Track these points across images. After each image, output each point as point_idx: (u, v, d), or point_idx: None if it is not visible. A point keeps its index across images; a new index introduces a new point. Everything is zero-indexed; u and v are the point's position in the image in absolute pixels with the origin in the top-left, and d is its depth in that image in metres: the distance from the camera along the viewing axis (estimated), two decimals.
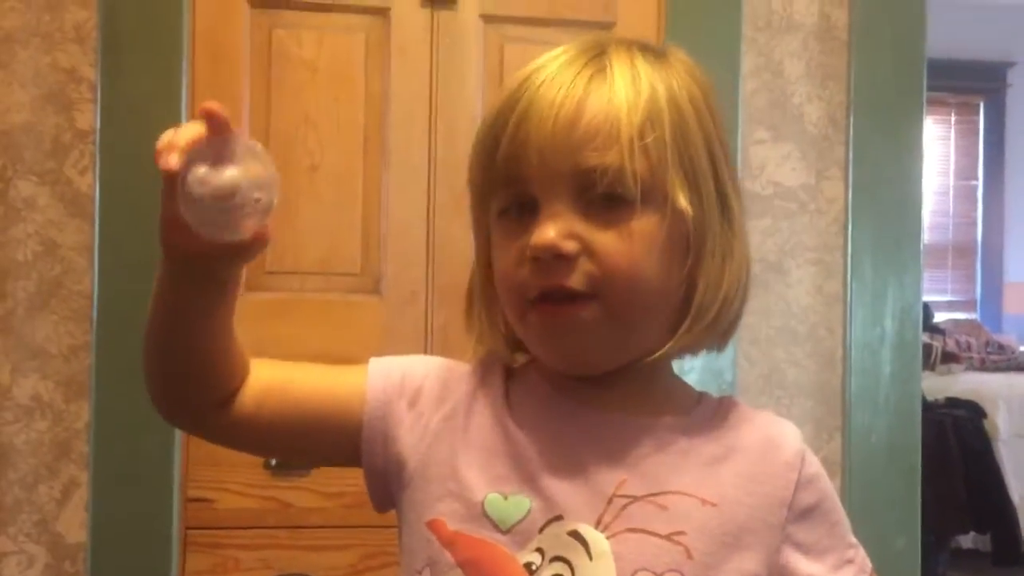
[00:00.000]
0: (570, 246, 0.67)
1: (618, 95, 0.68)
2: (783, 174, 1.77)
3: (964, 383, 3.73)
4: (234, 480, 1.61)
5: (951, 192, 5.35)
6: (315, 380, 0.77)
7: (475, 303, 0.78)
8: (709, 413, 0.75)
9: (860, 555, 0.75)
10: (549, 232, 0.67)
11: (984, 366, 4.17)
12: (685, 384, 0.78)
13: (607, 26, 1.74)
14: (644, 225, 0.68)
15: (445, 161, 1.70)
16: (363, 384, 0.75)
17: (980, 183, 5.31)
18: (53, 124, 1.60)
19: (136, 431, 1.60)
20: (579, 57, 0.71)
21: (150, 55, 1.62)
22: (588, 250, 0.67)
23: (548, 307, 0.68)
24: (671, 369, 0.77)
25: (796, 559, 0.71)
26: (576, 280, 0.67)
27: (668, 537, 0.67)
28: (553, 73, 0.70)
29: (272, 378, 0.77)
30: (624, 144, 0.67)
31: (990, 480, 3.34)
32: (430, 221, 1.70)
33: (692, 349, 0.73)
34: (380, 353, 1.74)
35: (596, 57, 0.71)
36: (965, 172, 5.36)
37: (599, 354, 0.71)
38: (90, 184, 1.61)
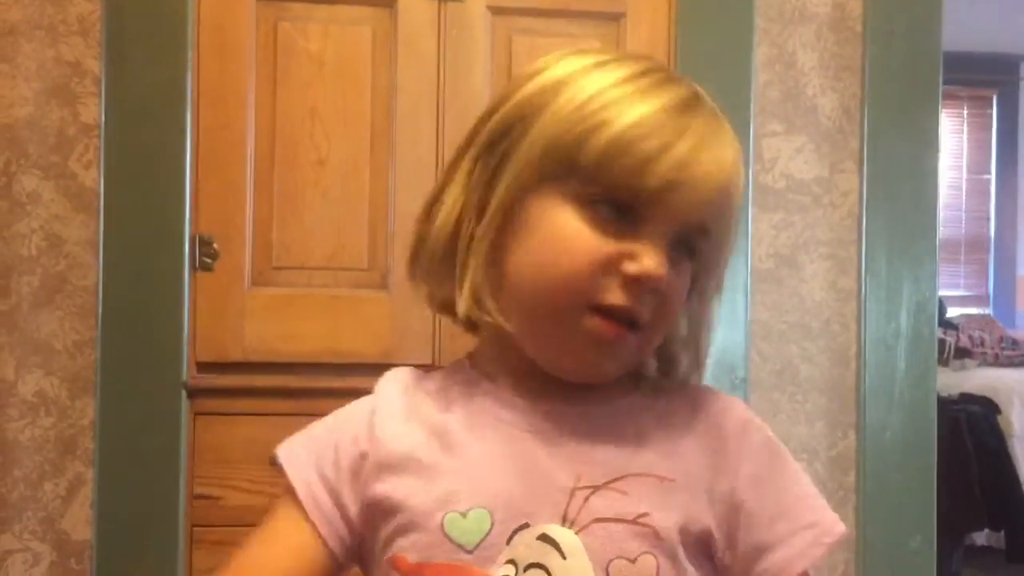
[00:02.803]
0: (663, 273, 0.67)
1: (736, 165, 0.71)
2: (796, 167, 1.75)
3: (978, 379, 3.69)
4: (240, 477, 1.60)
5: (964, 186, 5.30)
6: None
7: (435, 259, 0.73)
8: (652, 390, 0.74)
9: (825, 519, 0.72)
10: (663, 266, 0.67)
11: (998, 361, 4.13)
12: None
13: (617, 17, 1.72)
14: (687, 272, 0.71)
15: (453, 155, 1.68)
16: (305, 531, 0.71)
17: (993, 177, 5.27)
18: (57, 118, 1.59)
19: (142, 428, 1.59)
20: (702, 104, 0.71)
21: (155, 48, 1.60)
22: (659, 286, 0.68)
23: (612, 324, 0.67)
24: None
25: (747, 527, 0.70)
26: (646, 313, 0.68)
27: (635, 521, 0.66)
28: (709, 128, 0.70)
29: None
30: (731, 214, 0.71)
31: (1004, 477, 3.31)
32: None
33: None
34: (388, 349, 1.72)
35: (709, 107, 0.72)
36: (978, 166, 5.31)
37: (614, 373, 0.71)
38: (95, 178, 1.59)
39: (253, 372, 1.64)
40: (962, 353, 3.99)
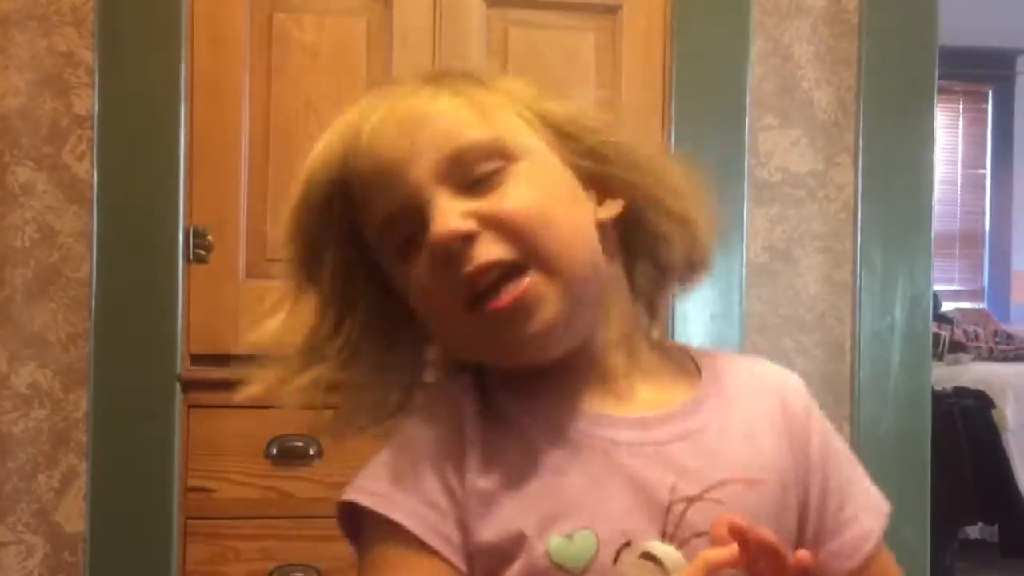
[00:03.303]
0: (468, 224, 0.64)
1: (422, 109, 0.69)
2: (792, 160, 1.75)
3: (972, 373, 3.70)
4: (234, 470, 1.60)
5: (959, 181, 5.30)
6: None
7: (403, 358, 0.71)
8: (714, 378, 0.72)
9: (877, 496, 0.74)
10: (442, 222, 0.64)
11: (992, 356, 4.13)
12: (672, 348, 0.76)
13: (614, 10, 1.71)
14: (522, 175, 0.66)
15: None
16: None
17: (988, 172, 5.27)
18: (50, 109, 1.58)
19: (135, 420, 1.58)
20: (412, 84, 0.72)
21: (149, 39, 1.60)
22: (488, 221, 0.64)
23: (492, 301, 0.64)
24: (651, 340, 0.74)
25: (819, 510, 0.70)
26: (497, 251, 0.64)
27: None
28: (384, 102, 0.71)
29: None
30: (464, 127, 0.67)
31: (998, 471, 3.32)
32: None
33: (656, 294, 0.73)
34: None
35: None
36: (973, 161, 5.32)
37: (562, 329, 0.66)
38: (88, 170, 1.58)
39: (247, 365, 1.63)
40: (956, 347, 3.99)
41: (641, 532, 0.64)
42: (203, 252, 1.62)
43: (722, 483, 0.66)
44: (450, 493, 0.65)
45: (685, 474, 0.66)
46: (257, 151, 1.65)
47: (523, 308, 0.64)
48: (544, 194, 0.66)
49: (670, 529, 0.64)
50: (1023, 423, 3.45)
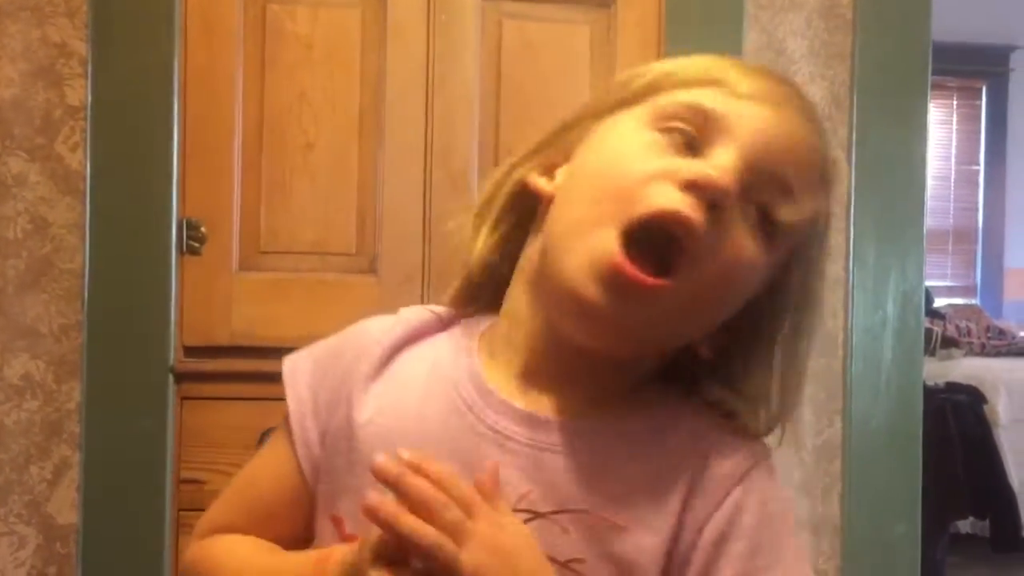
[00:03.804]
0: (732, 200, 0.60)
1: (822, 149, 0.72)
2: None
3: (964, 368, 3.71)
4: (227, 461, 1.60)
5: (952, 177, 5.32)
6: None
7: (494, 212, 0.69)
8: (645, 417, 0.65)
9: None
10: (727, 176, 0.59)
11: (984, 351, 4.15)
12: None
13: (608, 3, 1.71)
14: (755, 256, 0.63)
15: (442, 141, 1.68)
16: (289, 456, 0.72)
17: (982, 168, 5.28)
18: (43, 99, 1.57)
19: (128, 412, 1.58)
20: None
21: (142, 30, 1.59)
22: (726, 231, 0.60)
23: (632, 261, 0.58)
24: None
25: None
26: (700, 231, 0.59)
27: (566, 564, 0.60)
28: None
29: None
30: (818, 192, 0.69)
31: (990, 465, 3.33)
32: (426, 201, 1.67)
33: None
34: None
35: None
36: (966, 157, 5.33)
37: (640, 337, 0.62)
38: (81, 161, 1.58)
39: (240, 356, 1.63)
40: (949, 343, 4.01)
41: None
42: (196, 244, 1.62)
43: (579, 511, 0.61)
44: (333, 406, 0.70)
45: (542, 486, 0.62)
46: (250, 143, 1.64)
47: (644, 295, 0.59)
48: (743, 281, 0.63)
49: None
50: (1014, 418, 3.46)
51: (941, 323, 4.12)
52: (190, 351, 1.63)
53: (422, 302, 1.67)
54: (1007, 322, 4.59)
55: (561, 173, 0.67)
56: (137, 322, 1.60)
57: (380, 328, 0.73)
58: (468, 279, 0.71)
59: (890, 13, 1.75)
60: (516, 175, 0.69)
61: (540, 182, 0.67)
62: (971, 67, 5.14)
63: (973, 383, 3.48)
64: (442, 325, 0.73)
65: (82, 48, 1.58)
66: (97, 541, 1.57)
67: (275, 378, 1.69)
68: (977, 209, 5.33)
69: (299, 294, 1.65)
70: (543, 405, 0.65)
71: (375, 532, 0.58)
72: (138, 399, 1.59)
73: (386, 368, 0.70)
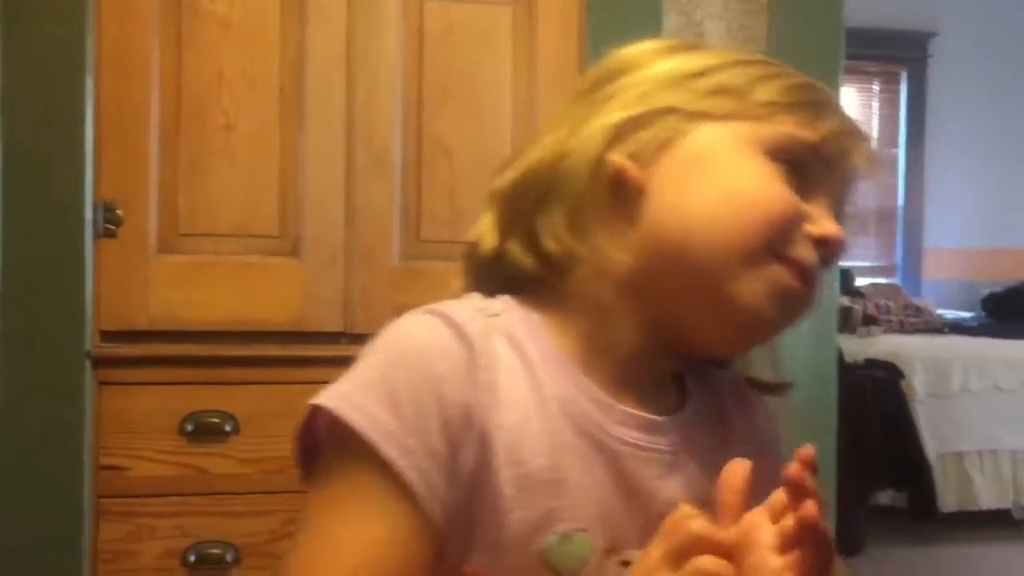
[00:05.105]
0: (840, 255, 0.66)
1: None
2: None
3: (883, 345, 3.82)
4: (148, 447, 1.58)
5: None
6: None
7: (527, 188, 0.65)
8: (695, 387, 0.69)
9: None
10: (841, 232, 0.65)
11: (903, 328, 4.27)
12: None
13: None
14: None
15: (364, 120, 1.67)
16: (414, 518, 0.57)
17: (902, 151, 5.42)
18: None
19: (45, 398, 1.55)
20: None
21: (54, 8, 1.55)
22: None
23: (799, 273, 0.63)
24: None
25: None
26: (816, 283, 0.66)
27: None
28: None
29: None
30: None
31: (907, 439, 3.44)
32: (349, 182, 1.67)
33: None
34: (298, 317, 1.70)
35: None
36: (887, 140, 5.46)
37: (773, 334, 0.67)
38: None
39: (159, 341, 1.61)
40: (869, 320, 4.11)
41: (627, 540, 0.61)
42: (112, 227, 1.59)
43: (710, 501, 0.60)
44: (451, 442, 0.57)
45: (679, 488, 0.63)
46: (168, 124, 1.62)
47: (794, 305, 0.64)
48: None
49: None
50: (931, 392, 3.57)
51: (862, 302, 4.22)
52: (107, 336, 1.60)
53: (345, 285, 1.67)
54: (925, 300, 4.73)
55: (649, 167, 0.64)
56: (53, 307, 1.56)
57: (465, 324, 0.61)
58: (481, 263, 0.66)
59: None
60: (595, 155, 0.63)
61: (636, 172, 0.63)
62: (892, 52, 5.26)
63: (891, 359, 3.58)
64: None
65: None
66: (15, 530, 1.54)
67: (195, 362, 1.67)
68: (897, 191, 5.46)
69: (220, 277, 1.64)
70: (648, 407, 0.65)
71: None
72: (55, 385, 1.56)
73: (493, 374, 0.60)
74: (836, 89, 1.83)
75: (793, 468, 0.53)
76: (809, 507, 0.52)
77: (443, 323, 0.60)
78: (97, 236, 1.59)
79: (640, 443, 0.62)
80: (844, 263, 4.60)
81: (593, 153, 0.63)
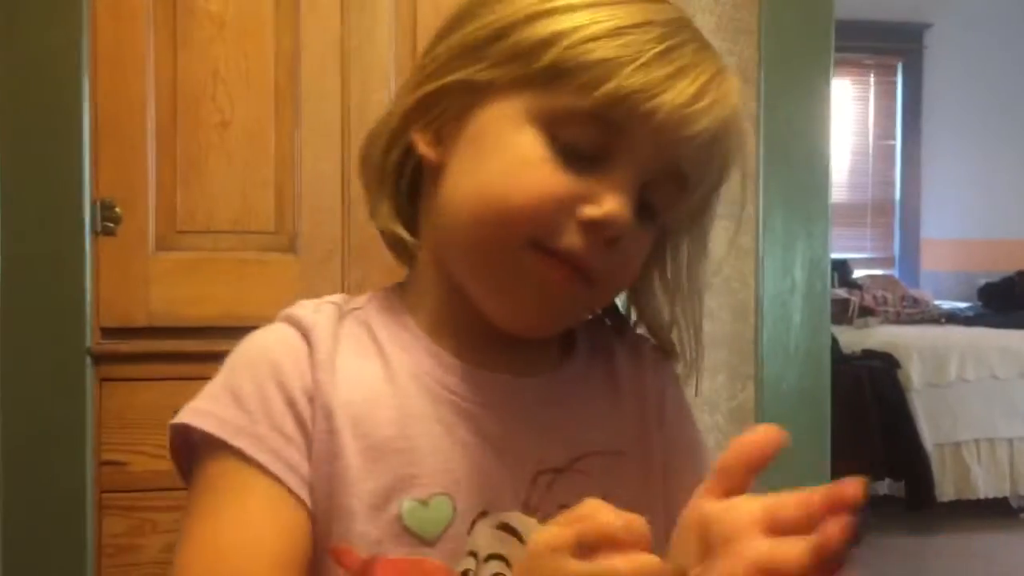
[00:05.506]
0: (626, 234, 0.60)
1: (736, 103, 0.65)
2: None
3: (880, 336, 3.84)
4: (148, 442, 1.59)
5: (870, 152, 5.46)
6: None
7: (378, 171, 0.65)
8: (586, 349, 0.69)
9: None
10: (626, 211, 0.59)
11: (900, 319, 4.29)
12: None
13: None
14: (649, 235, 0.64)
15: (359, 116, 1.68)
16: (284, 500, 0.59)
17: (898, 143, 5.43)
18: None
19: (46, 395, 1.57)
20: (691, 29, 0.64)
21: (49, 9, 1.57)
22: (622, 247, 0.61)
23: (559, 265, 0.59)
24: None
25: (675, 484, 0.66)
26: (599, 265, 0.60)
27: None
28: (699, 56, 0.62)
29: None
30: (721, 162, 0.65)
31: (904, 429, 3.46)
32: (345, 177, 1.68)
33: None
34: None
35: (698, 34, 0.65)
36: (884, 132, 5.47)
37: (555, 329, 0.65)
38: None
39: (158, 337, 1.63)
40: (865, 312, 4.13)
41: (499, 502, 0.61)
42: (111, 224, 1.61)
43: (589, 454, 0.63)
44: (299, 420, 0.60)
45: (552, 444, 0.63)
46: (164, 122, 1.63)
47: (562, 298, 0.61)
48: (640, 261, 0.65)
49: (534, 500, 0.61)
50: (927, 382, 3.59)
51: (859, 293, 4.24)
52: (107, 332, 1.62)
53: (342, 280, 1.69)
54: (922, 291, 4.74)
55: (444, 143, 0.62)
56: (53, 304, 1.58)
57: (304, 317, 0.64)
58: (391, 244, 0.67)
59: None
60: (405, 138, 0.64)
61: (428, 150, 0.63)
62: (887, 44, 5.27)
63: (888, 350, 3.60)
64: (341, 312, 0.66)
65: None
66: (18, 525, 1.56)
67: (194, 358, 1.68)
68: (895, 183, 5.47)
69: (218, 274, 1.65)
70: (519, 369, 0.65)
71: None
72: (56, 381, 1.58)
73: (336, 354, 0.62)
74: (827, 81, 1.84)
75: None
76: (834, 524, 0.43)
77: (282, 322, 0.65)
78: (96, 234, 1.60)
79: (499, 404, 0.62)
80: (842, 255, 4.62)
81: (394, 134, 0.64)
